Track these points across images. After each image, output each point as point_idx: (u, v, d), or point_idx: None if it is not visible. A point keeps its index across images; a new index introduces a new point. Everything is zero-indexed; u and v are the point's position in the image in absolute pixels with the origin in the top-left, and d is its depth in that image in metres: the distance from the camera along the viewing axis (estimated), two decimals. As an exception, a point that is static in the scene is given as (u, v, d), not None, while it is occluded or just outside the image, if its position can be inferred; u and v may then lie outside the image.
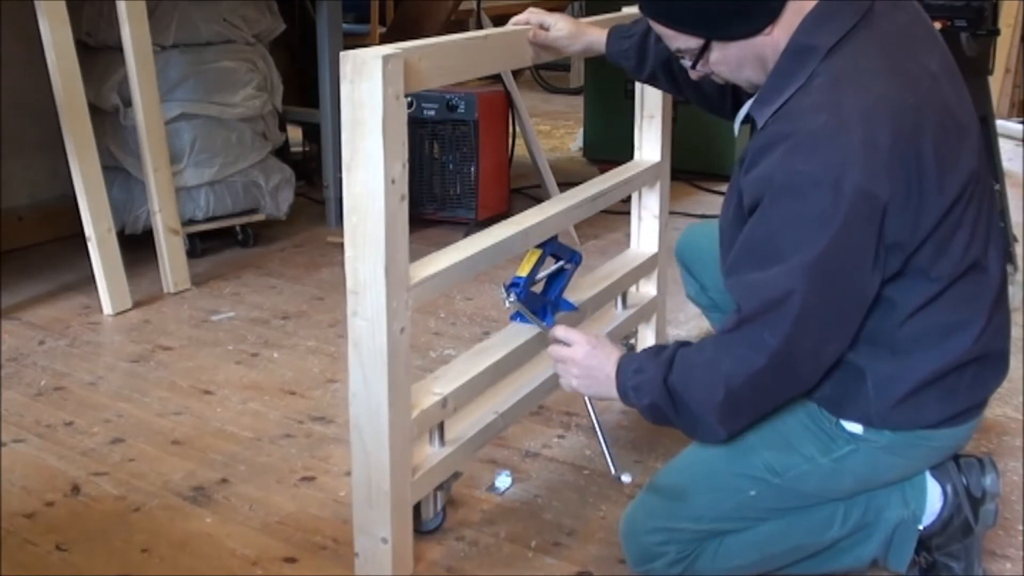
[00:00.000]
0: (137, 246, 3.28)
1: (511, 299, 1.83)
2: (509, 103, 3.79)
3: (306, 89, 4.07)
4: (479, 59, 1.82)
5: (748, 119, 1.57)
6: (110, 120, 3.30)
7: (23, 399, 2.45)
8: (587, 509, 1.98)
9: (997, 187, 2.77)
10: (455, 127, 3.72)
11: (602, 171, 2.43)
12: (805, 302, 1.39)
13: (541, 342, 1.92)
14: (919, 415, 1.53)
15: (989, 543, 1.81)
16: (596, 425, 1.64)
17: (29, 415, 2.36)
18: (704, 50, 1.51)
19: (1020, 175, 4.39)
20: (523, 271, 1.90)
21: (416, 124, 3.70)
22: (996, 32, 2.87)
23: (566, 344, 1.67)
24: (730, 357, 1.46)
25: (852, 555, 1.67)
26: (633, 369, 1.56)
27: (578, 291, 2.16)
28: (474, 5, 4.49)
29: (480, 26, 4.28)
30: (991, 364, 1.56)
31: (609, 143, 4.50)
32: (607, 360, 1.61)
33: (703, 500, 1.60)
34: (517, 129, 3.87)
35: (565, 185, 3.23)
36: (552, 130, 5.72)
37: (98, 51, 3.27)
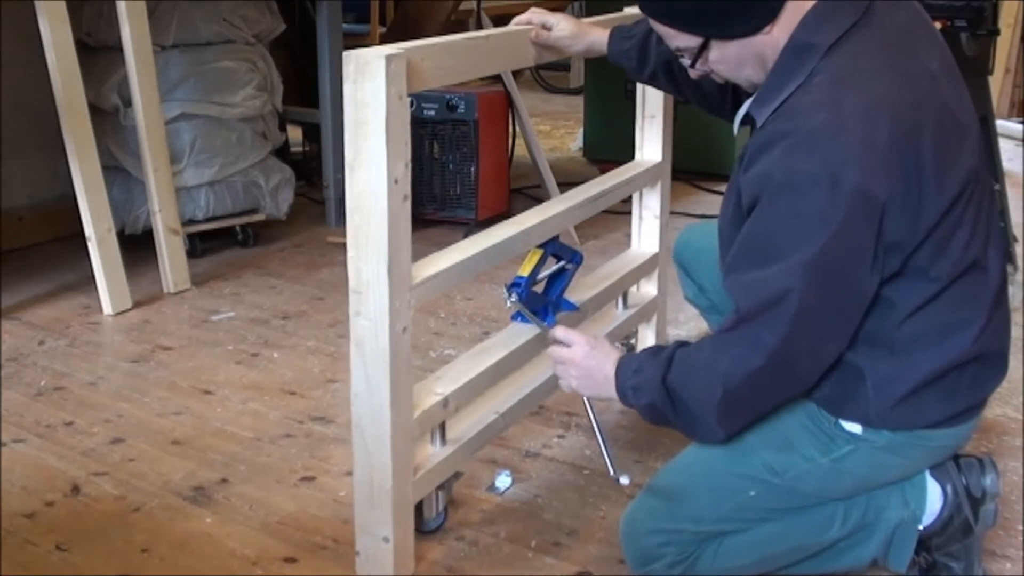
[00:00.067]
0: (137, 246, 3.28)
1: (512, 299, 1.83)
2: (509, 103, 3.79)
3: (306, 89, 4.07)
4: (482, 59, 1.82)
5: (748, 119, 1.57)
6: (110, 120, 3.30)
7: (23, 399, 2.45)
8: (587, 509, 1.98)
9: (997, 187, 2.78)
10: (455, 127, 3.72)
11: (602, 171, 2.43)
12: (803, 301, 1.39)
13: (542, 342, 1.92)
14: (919, 415, 1.53)
15: (989, 543, 1.81)
16: (595, 426, 1.64)
17: (29, 415, 2.36)
18: (703, 49, 1.51)
19: (1020, 175, 4.39)
20: (524, 271, 1.90)
21: (416, 124, 3.70)
22: (996, 32, 2.87)
23: (565, 345, 1.67)
24: (728, 356, 1.46)
25: (852, 555, 1.67)
26: (632, 369, 1.56)
27: (579, 291, 2.16)
28: (474, 5, 4.49)
29: (480, 26, 4.28)
30: (991, 364, 1.56)
31: (609, 143, 4.51)
32: (606, 360, 1.61)
33: (703, 501, 1.60)
34: (517, 129, 3.87)
35: (565, 185, 3.23)
36: (552, 130, 5.72)
37: (98, 51, 3.27)
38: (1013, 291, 2.88)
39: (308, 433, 2.29)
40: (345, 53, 1.52)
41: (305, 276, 3.33)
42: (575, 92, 6.45)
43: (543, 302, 2.01)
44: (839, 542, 1.64)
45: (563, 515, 1.96)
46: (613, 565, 1.80)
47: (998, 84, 5.22)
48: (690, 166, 4.10)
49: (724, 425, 1.51)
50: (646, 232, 2.49)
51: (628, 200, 2.48)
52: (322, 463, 2.16)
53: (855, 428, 1.55)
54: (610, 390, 1.59)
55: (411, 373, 1.67)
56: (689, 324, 2.85)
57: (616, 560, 1.80)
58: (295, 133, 4.31)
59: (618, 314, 2.39)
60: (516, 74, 4.89)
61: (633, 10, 2.14)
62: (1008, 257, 2.92)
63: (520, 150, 3.92)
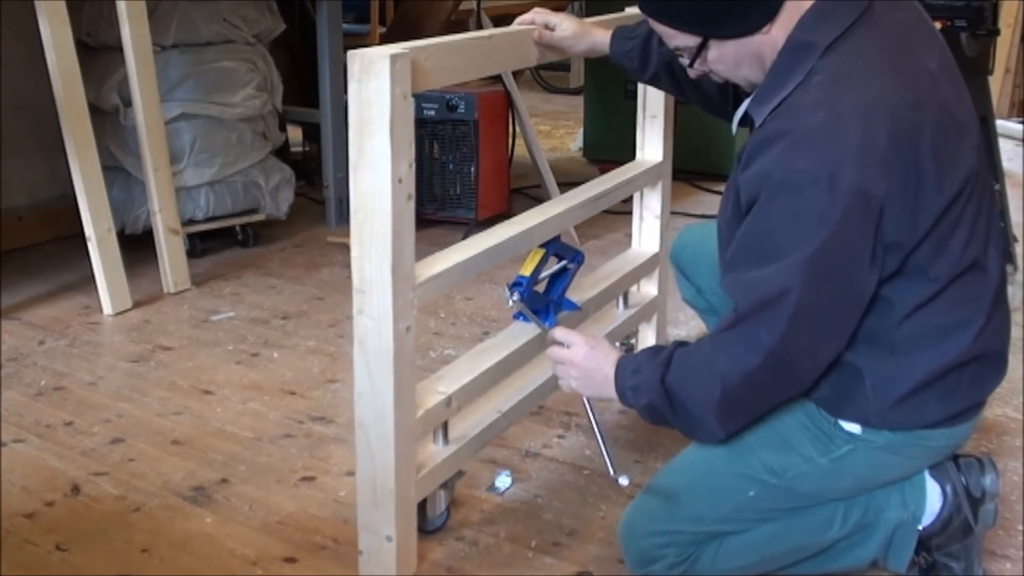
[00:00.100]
0: (137, 246, 3.28)
1: (514, 298, 1.84)
2: (509, 103, 3.79)
3: (306, 89, 4.06)
4: (485, 59, 1.83)
5: (746, 118, 1.57)
6: (110, 120, 3.30)
7: (23, 399, 2.45)
8: (587, 509, 1.98)
9: (997, 187, 2.78)
10: (455, 127, 3.72)
11: (602, 171, 2.43)
12: (801, 300, 1.39)
13: (543, 342, 1.92)
14: (918, 415, 1.53)
15: (989, 543, 1.81)
16: (595, 426, 1.64)
17: (29, 415, 2.36)
18: (702, 48, 1.51)
19: (1020, 175, 4.39)
20: (526, 270, 1.90)
21: (416, 124, 3.67)
22: (996, 32, 2.87)
23: (565, 346, 1.67)
24: (726, 356, 1.46)
25: (852, 555, 1.67)
26: (631, 370, 1.56)
27: (580, 291, 2.16)
28: (474, 5, 4.49)
29: (480, 26, 4.27)
30: (990, 364, 1.56)
31: (609, 143, 4.51)
32: (605, 361, 1.61)
33: (702, 502, 1.60)
34: (517, 129, 3.87)
35: (565, 185, 3.23)
36: (552, 130, 5.72)
37: (98, 51, 3.27)
38: (1013, 291, 2.88)
39: (308, 433, 2.29)
40: (350, 52, 1.52)
41: (305, 276, 3.33)
42: (575, 92, 6.45)
43: (545, 301, 2.01)
44: (839, 542, 1.64)
45: (563, 515, 1.96)
46: (613, 565, 1.80)
47: (998, 84, 5.22)
48: (690, 166, 4.10)
49: (723, 424, 1.51)
50: (647, 232, 2.49)
51: (628, 200, 2.48)
52: (322, 463, 2.16)
53: (854, 428, 1.55)
54: (610, 390, 1.59)
55: (414, 372, 1.67)
56: (690, 324, 2.85)
57: (616, 560, 1.80)
58: (295, 133, 4.31)
59: (619, 314, 2.39)
60: (516, 74, 4.89)
61: (635, 10, 2.14)
62: (1008, 257, 2.92)
63: (520, 150, 3.92)
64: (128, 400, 2.45)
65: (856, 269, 1.40)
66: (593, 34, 2.00)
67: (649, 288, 2.53)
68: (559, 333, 1.69)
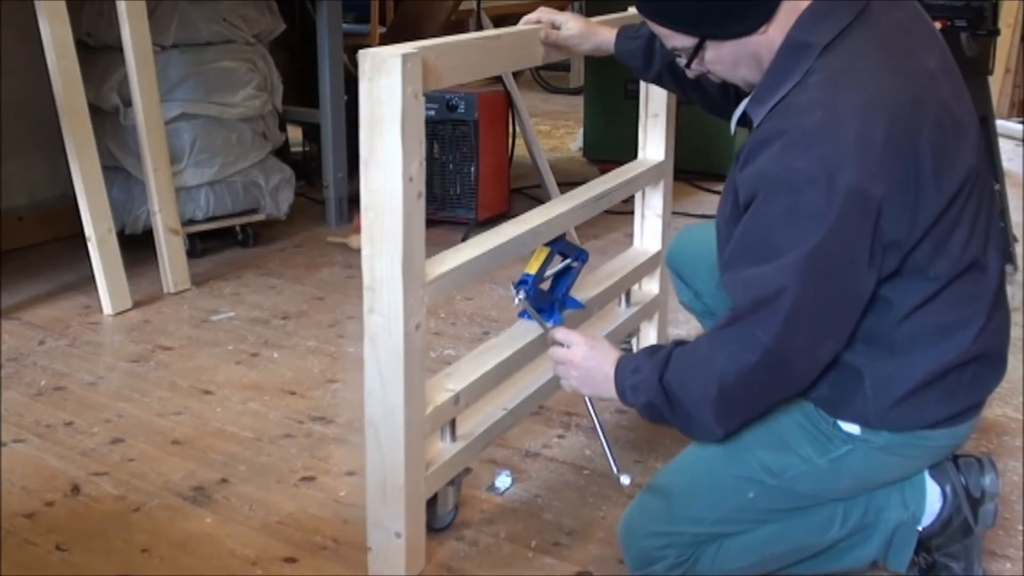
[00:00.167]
0: (137, 246, 3.29)
1: (520, 296, 1.84)
2: (509, 103, 3.79)
3: (306, 89, 4.07)
4: (493, 58, 1.83)
5: (745, 118, 1.57)
6: (110, 120, 3.30)
7: (23, 399, 2.45)
8: (587, 509, 1.98)
9: (997, 187, 2.78)
10: (455, 127, 3.72)
11: (602, 171, 2.43)
12: (797, 299, 1.39)
13: (547, 340, 1.92)
14: (918, 415, 1.52)
15: (989, 543, 1.81)
16: (597, 426, 1.64)
17: (29, 415, 2.36)
18: (699, 49, 1.51)
19: (1020, 175, 4.39)
20: (531, 269, 1.90)
21: (416, 124, 3.69)
22: (996, 32, 2.87)
23: (565, 345, 1.67)
24: (723, 354, 1.45)
25: (852, 556, 1.67)
26: (631, 369, 1.56)
27: (583, 289, 2.17)
28: (474, 5, 4.49)
29: (480, 26, 4.27)
30: (990, 364, 1.56)
31: (609, 143, 4.51)
32: (605, 360, 1.61)
33: (702, 503, 1.59)
34: (517, 129, 3.87)
35: (565, 185, 3.24)
36: (552, 130, 5.72)
37: (98, 51, 3.27)
38: (1013, 291, 2.88)
39: (308, 433, 2.29)
40: (361, 51, 1.52)
41: (305, 276, 3.33)
42: (575, 92, 6.45)
43: (549, 299, 2.02)
44: (839, 543, 1.64)
45: (563, 515, 1.96)
46: (613, 565, 1.80)
47: (998, 84, 5.22)
48: (690, 166, 4.10)
49: (721, 423, 1.51)
50: (648, 231, 2.49)
51: (628, 200, 2.48)
52: (322, 463, 2.16)
53: (853, 429, 1.55)
54: (610, 390, 1.59)
55: (424, 369, 1.68)
56: (690, 323, 2.84)
57: (616, 560, 1.80)
58: (295, 133, 4.31)
59: (621, 312, 2.39)
60: (516, 74, 4.89)
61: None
62: (1008, 257, 2.92)
63: (520, 150, 3.92)
64: (128, 400, 2.45)
65: (854, 269, 1.40)
66: (598, 33, 2.00)
67: (651, 287, 2.53)
68: (559, 333, 1.69)
